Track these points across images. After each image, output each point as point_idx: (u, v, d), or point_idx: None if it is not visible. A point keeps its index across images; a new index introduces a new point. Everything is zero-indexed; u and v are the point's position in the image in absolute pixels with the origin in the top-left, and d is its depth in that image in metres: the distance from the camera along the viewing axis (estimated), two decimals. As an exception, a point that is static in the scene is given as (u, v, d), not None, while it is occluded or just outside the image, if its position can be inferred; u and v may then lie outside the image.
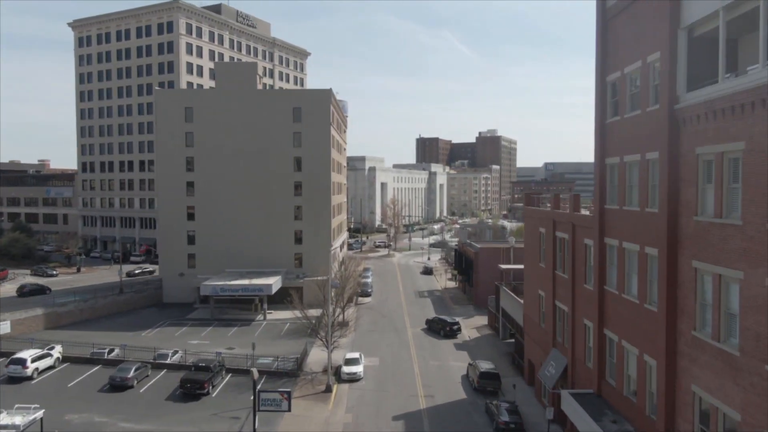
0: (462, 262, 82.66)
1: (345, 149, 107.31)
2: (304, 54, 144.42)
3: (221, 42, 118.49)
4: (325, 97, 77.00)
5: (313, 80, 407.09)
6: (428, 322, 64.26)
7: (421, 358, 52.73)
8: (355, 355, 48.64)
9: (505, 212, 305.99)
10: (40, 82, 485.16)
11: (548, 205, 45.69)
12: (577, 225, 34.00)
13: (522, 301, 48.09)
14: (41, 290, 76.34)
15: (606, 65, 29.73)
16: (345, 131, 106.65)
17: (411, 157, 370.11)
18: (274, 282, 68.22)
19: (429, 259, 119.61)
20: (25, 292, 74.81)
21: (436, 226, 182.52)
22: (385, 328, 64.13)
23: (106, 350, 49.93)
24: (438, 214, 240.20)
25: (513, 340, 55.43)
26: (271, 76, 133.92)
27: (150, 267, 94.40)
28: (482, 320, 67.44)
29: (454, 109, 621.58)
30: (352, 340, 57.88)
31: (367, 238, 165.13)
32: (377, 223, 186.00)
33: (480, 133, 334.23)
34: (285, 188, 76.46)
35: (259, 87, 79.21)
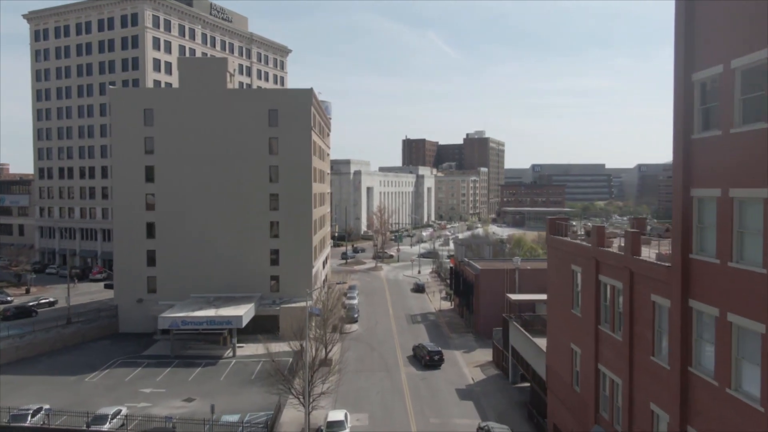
0: (459, 283, 74.06)
1: (328, 154, 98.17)
2: (284, 51, 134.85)
3: (192, 37, 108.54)
4: (305, 97, 67.83)
5: (295, 80, 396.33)
6: (414, 348, 58.65)
7: (418, 413, 43.84)
8: (340, 416, 39.61)
9: (493, 215, 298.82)
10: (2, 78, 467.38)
11: (581, 234, 37.14)
12: (639, 274, 25.41)
13: (543, 348, 39.49)
14: (27, 313, 69.38)
15: (694, 57, 21.08)
16: (328, 135, 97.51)
17: (397, 160, 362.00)
18: (245, 312, 58.87)
19: (419, 272, 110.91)
20: (8, 316, 67.65)
21: (425, 233, 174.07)
22: (375, 367, 55.21)
23: (30, 412, 40.22)
24: (426, 219, 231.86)
25: (527, 386, 46.88)
26: (249, 74, 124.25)
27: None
28: (485, 355, 58.79)
29: (441, 109, 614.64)
30: (336, 385, 48.82)
31: (353, 247, 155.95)
32: (363, 229, 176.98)
33: (467, 134, 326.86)
34: (260, 201, 67.15)
35: (231, 86, 69.79)
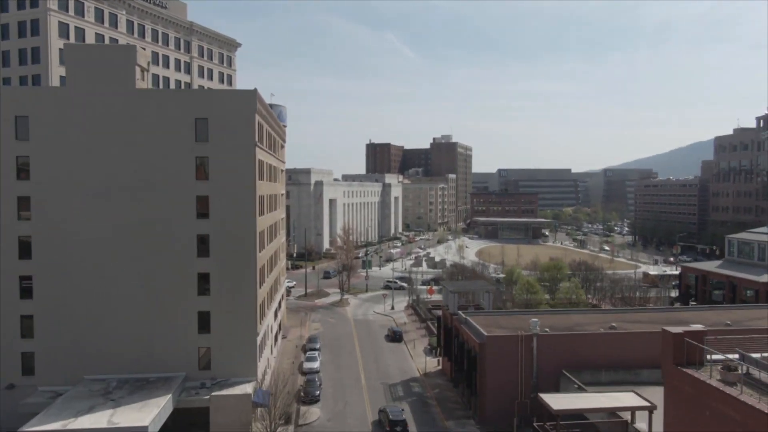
0: (452, 345, 57.18)
1: (283, 171, 79.85)
2: (232, 45, 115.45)
3: (114, 24, 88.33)
4: (246, 102, 49.59)
5: (248, 79, 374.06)
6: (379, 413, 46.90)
7: None
8: None
9: (463, 225, 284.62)
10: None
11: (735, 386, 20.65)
12: None
13: None
14: None
15: None
16: (283, 147, 79.23)
17: (361, 166, 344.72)
18: (154, 417, 40.19)
19: (392, 307, 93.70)
20: None
21: (394, 250, 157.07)
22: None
23: None
24: (393, 230, 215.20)
25: None
26: (188, 71, 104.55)
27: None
28: (500, 465, 41.99)
29: (404, 112, 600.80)
30: None
31: (314, 268, 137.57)
32: (326, 246, 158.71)
33: (434, 139, 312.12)
34: (183, 246, 48.59)
35: (143, 84, 50.90)
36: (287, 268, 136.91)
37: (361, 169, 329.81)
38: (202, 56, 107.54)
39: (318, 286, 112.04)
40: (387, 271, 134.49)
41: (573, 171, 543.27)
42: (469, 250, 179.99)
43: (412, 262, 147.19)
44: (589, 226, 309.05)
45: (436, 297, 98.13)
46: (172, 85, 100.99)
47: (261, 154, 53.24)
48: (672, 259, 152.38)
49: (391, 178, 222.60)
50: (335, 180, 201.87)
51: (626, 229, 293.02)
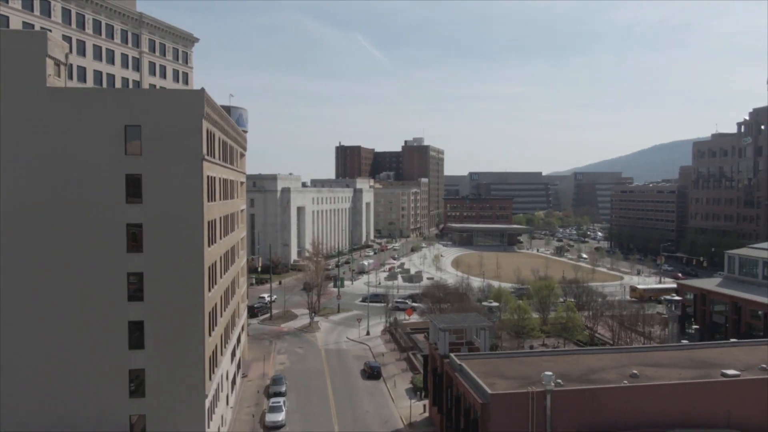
0: (444, 396, 48.24)
1: (243, 183, 69.66)
2: (188, 39, 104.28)
3: (46, 12, 76.54)
4: (191, 105, 39.57)
5: (211, 80, 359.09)
6: None
7: None
8: None
9: (437, 231, 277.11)
10: None
11: None
12: None
13: None
14: None
15: None
16: (243, 156, 69.09)
17: (331, 170, 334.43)
18: None
19: (368, 333, 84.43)
20: None
21: (366, 262, 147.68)
22: None
23: None
24: (365, 238, 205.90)
25: None
26: (137, 68, 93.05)
27: None
28: None
29: (373, 112, 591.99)
30: None
31: (280, 283, 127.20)
32: (293, 258, 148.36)
33: (406, 141, 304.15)
34: (110, 287, 38.34)
35: (58, 82, 40.40)
36: (251, 284, 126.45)
37: (330, 172, 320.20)
38: (154, 51, 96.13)
39: (285, 305, 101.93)
40: (360, 286, 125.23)
41: (541, 173, 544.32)
42: (445, 259, 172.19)
43: (386, 274, 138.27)
44: (562, 230, 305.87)
45: (415, 318, 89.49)
46: (118, 84, 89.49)
47: (212, 169, 43.34)
48: (658, 269, 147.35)
49: (363, 183, 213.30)
50: (304, 186, 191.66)
51: (599, 233, 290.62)
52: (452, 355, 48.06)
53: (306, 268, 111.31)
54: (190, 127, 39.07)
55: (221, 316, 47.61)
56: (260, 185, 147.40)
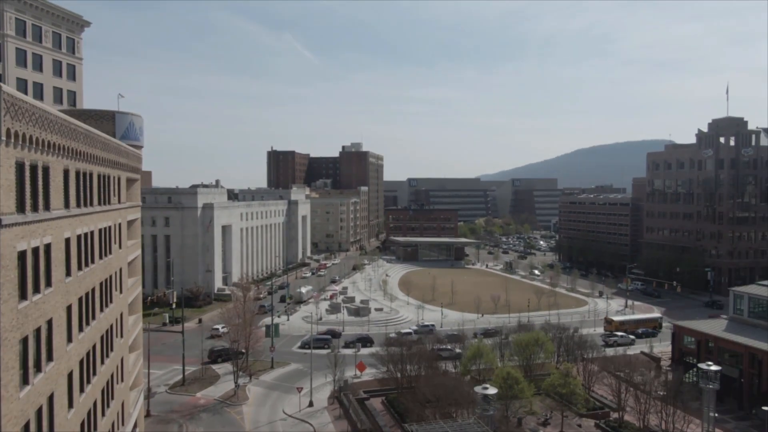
0: None
1: (133, 221, 49.10)
2: (74, 22, 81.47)
3: None
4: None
5: (126, 77, 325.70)
6: None
7: None
8: None
9: (378, 243, 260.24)
10: None
11: None
12: None
13: None
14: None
15: None
16: (135, 181, 48.63)
17: (262, 178, 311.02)
18: None
19: (311, 404, 65.64)
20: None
21: (304, 289, 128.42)
22: None
23: None
24: (301, 255, 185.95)
25: None
26: (0, 58, 70.02)
27: None
28: None
29: (308, 114, 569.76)
30: None
31: (200, 321, 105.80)
32: (217, 286, 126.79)
33: (344, 147, 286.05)
34: None
35: None
36: (163, 324, 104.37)
37: (262, 180, 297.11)
38: (24, 35, 73.19)
39: (202, 356, 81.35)
40: (298, 322, 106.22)
41: (480, 179, 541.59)
42: (391, 279, 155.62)
43: (327, 303, 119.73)
44: (506, 239, 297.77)
45: (369, 373, 71.99)
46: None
47: (38, 232, 23.80)
48: (622, 291, 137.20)
49: (298, 194, 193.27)
50: (232, 196, 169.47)
51: (542, 242, 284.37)
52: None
53: (235, 299, 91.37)
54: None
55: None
56: (177, 201, 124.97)
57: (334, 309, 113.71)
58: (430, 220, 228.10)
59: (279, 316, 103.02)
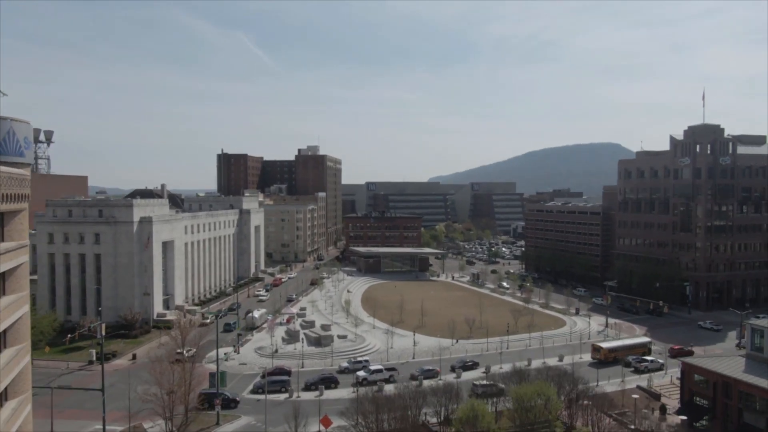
0: None
1: (19, 266, 35.19)
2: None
3: None
4: None
5: (74, 74, 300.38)
6: None
7: None
8: None
9: (336, 251, 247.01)
10: None
11: None
12: None
13: None
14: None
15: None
16: (19, 213, 34.82)
17: (212, 182, 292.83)
18: None
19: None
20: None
21: (257, 313, 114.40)
22: None
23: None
24: (253, 269, 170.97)
25: None
26: None
27: None
28: None
29: (260, 114, 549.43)
30: None
31: (134, 357, 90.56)
32: (157, 311, 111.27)
33: (300, 150, 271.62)
34: None
35: None
36: (89, 362, 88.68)
37: (212, 182, 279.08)
38: None
39: (130, 409, 66.71)
40: (249, 354, 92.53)
41: (439, 183, 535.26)
42: (354, 295, 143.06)
43: (284, 329, 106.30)
44: (468, 246, 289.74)
45: (336, 428, 59.65)
46: None
47: None
48: (599, 306, 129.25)
49: (250, 201, 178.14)
50: (175, 208, 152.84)
51: (504, 249, 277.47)
52: None
53: (179, 325, 77.00)
54: None
55: None
56: (109, 214, 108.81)
57: (291, 338, 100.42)
58: (392, 228, 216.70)
59: (225, 356, 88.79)
